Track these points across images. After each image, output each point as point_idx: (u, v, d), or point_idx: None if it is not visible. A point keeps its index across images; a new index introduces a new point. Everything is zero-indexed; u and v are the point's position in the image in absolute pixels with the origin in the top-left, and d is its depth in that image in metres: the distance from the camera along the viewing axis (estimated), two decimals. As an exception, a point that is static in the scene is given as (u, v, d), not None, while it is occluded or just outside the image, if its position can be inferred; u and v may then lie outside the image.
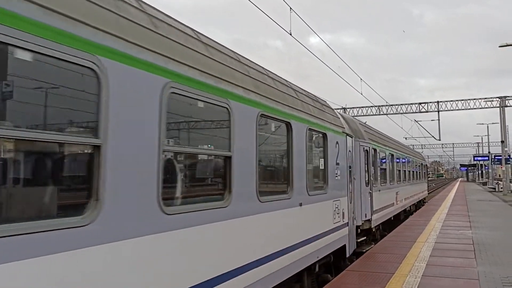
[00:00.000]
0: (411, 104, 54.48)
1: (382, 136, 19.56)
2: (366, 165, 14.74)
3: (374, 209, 15.16)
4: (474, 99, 50.80)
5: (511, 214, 24.21)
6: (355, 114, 56.25)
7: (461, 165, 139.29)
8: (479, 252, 12.47)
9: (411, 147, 69.11)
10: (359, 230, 13.94)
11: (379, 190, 16.38)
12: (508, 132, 52.79)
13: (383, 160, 18.04)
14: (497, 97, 49.26)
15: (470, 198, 40.53)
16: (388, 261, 11.28)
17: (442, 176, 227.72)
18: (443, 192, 56.81)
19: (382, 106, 55.83)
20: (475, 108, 50.92)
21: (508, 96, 49.20)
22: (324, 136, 10.19)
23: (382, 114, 55.93)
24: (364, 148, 14.37)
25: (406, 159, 25.42)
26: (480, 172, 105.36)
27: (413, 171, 28.59)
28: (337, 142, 11.00)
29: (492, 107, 50.17)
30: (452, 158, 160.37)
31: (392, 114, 55.61)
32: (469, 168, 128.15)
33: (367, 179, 14.70)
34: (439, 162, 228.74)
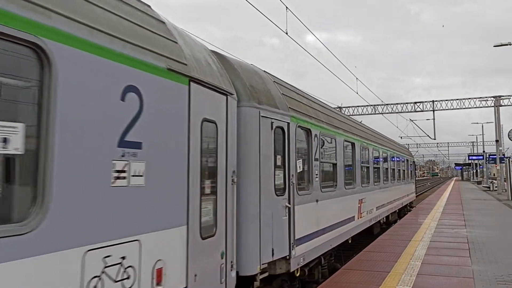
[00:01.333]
0: (407, 103, 52.67)
1: (329, 112, 11.53)
2: (280, 157, 7.66)
3: (299, 236, 8.16)
4: (469, 98, 49.06)
5: (505, 213, 23.43)
6: (351, 113, 56.08)
7: (456, 164, 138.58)
8: (474, 250, 12.12)
9: (407, 146, 68.99)
10: (257, 280, 6.94)
11: (317, 201, 9.23)
12: (502, 132, 51.27)
13: (331, 151, 11.00)
14: (491, 97, 47.75)
15: (464, 197, 39.13)
16: (384, 260, 10.89)
17: (437, 175, 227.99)
18: (438, 191, 55.47)
19: (378, 105, 53.62)
20: (470, 108, 49.03)
21: (503, 96, 47.47)
22: (43, 58, 3.17)
23: (377, 113, 54.09)
24: (274, 124, 7.37)
25: (381, 152, 17.79)
26: (474, 171, 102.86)
27: (393, 169, 21.08)
28: (134, 90, 4.07)
29: (487, 107, 48.39)
30: (447, 157, 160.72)
31: (387, 113, 54.65)
32: (464, 167, 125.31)
33: (280, 182, 7.64)
34: (434, 161, 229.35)
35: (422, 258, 10.99)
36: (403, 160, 25.53)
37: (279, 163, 7.60)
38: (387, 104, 54.65)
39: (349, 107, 55.73)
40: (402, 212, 25.27)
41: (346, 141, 12.17)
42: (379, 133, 20.40)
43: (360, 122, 19.01)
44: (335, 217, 10.67)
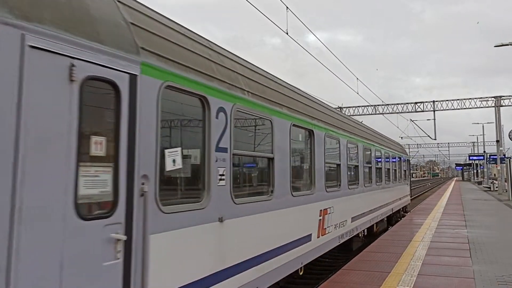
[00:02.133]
0: (407, 103, 49.75)
1: (261, 79, 6.99)
2: (100, 140, 3.56)
3: None
4: (470, 98, 46.15)
5: (506, 213, 22.04)
6: (351, 113, 53.27)
7: (457, 165, 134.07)
8: (474, 251, 11.52)
9: (407, 146, 65.42)
10: None
11: (221, 219, 5.09)
12: (503, 132, 49.72)
13: (263, 139, 6.90)
14: (492, 97, 44.63)
15: (465, 197, 37.10)
16: (384, 260, 10.26)
17: (438, 175, 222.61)
18: (439, 191, 52.83)
19: (378, 105, 51.69)
20: (470, 108, 45.85)
21: (503, 96, 44.39)
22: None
23: (378, 114, 52.43)
24: (77, 70, 3.31)
25: (361, 147, 13.01)
26: (475, 171, 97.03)
27: (379, 168, 16.14)
28: None
29: (487, 107, 45.37)
30: (448, 158, 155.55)
31: (388, 113, 52.34)
32: (465, 167, 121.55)
33: (98, 191, 3.54)
34: (434, 161, 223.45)
35: (423, 259, 10.47)
36: (394, 157, 19.63)
37: (97, 150, 3.45)
38: (388, 104, 52.68)
39: (349, 107, 53.19)
40: (393, 219, 20.04)
41: (296, 126, 7.63)
42: (359, 123, 15.47)
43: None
44: (268, 242, 6.31)
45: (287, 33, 20.21)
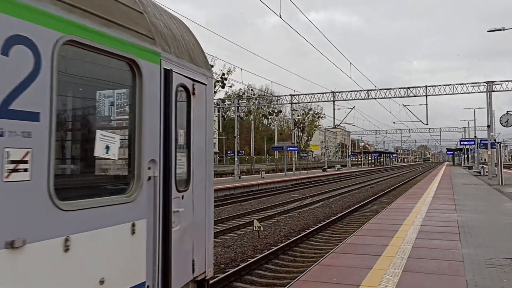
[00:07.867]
0: (400, 88, 51.09)
1: None
2: None
3: None
4: (462, 84, 47.70)
5: (495, 198, 22.64)
6: (344, 98, 54.82)
7: (448, 149, 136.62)
8: (464, 234, 11.81)
9: (399, 131, 66.45)
10: None
11: None
12: (494, 117, 50.66)
13: None
14: (484, 82, 46.14)
15: (455, 181, 37.85)
16: (375, 244, 10.57)
17: (429, 160, 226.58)
18: (430, 176, 53.65)
19: (371, 90, 53.26)
20: (462, 93, 47.50)
21: (495, 81, 45.81)
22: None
23: (370, 98, 53.56)
24: None
25: None
26: (466, 156, 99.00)
27: None
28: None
29: (479, 92, 46.80)
30: (439, 143, 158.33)
31: (380, 98, 53.57)
32: (455, 152, 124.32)
33: None
34: (426, 146, 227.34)
35: (413, 242, 10.76)
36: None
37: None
38: (380, 89, 53.78)
39: (342, 91, 54.64)
40: None
41: None
42: None
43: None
44: None
45: (280, 17, 21.20)
